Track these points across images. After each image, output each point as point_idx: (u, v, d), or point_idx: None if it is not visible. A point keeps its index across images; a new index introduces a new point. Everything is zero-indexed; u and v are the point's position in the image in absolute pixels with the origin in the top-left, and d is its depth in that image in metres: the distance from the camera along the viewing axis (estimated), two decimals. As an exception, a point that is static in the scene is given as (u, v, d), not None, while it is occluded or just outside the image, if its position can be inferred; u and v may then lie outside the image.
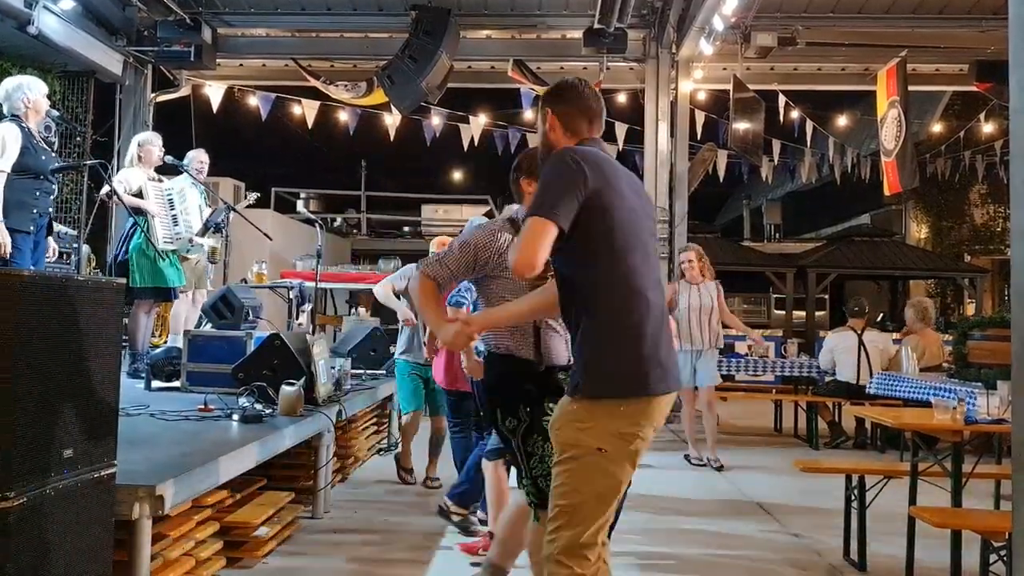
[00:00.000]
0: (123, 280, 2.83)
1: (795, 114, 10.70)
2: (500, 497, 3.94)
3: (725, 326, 6.98)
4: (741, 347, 9.29)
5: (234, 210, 6.79)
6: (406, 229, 19.67)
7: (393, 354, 6.72)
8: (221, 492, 3.61)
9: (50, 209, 5.55)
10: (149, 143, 6.50)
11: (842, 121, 12.73)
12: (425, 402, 5.66)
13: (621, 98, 10.63)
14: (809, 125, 10.89)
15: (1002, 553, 3.38)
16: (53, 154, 5.66)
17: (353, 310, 11.15)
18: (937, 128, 15.24)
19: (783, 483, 6.09)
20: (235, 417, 4.12)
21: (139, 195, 6.21)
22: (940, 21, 9.33)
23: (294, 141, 16.99)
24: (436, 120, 10.42)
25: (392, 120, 10.26)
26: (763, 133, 9.63)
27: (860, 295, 9.24)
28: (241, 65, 10.58)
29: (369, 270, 10.21)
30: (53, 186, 5.51)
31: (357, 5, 9.64)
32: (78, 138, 9.60)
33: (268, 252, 10.01)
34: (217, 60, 9.77)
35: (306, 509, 4.72)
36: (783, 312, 15.48)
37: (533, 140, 10.73)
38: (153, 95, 10.11)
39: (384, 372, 6.74)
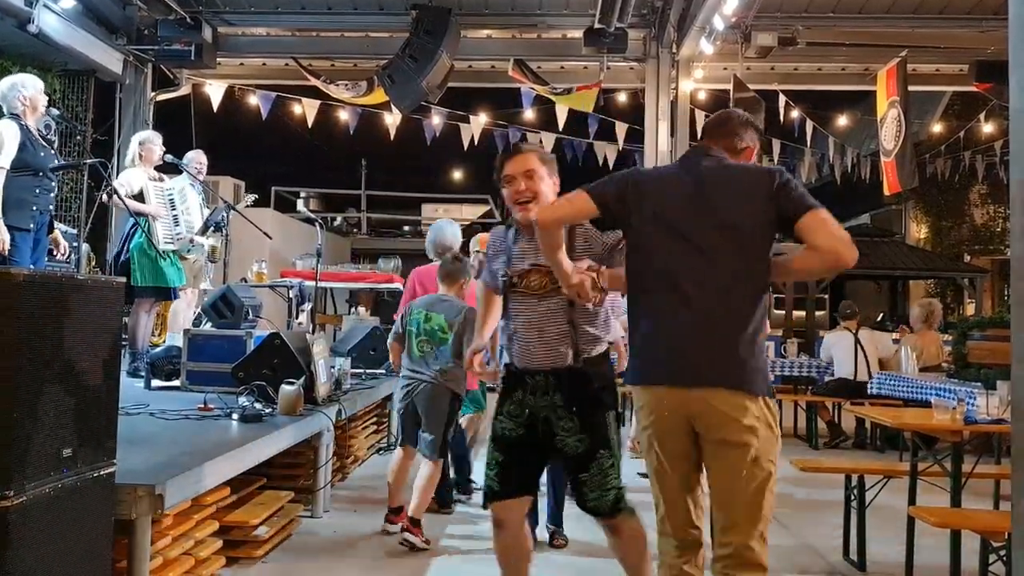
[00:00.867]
0: (123, 279, 2.83)
1: (795, 114, 10.71)
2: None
3: None
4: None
5: (234, 209, 6.80)
6: (406, 228, 19.70)
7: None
8: (221, 491, 3.61)
9: (50, 207, 5.55)
10: (150, 141, 6.51)
11: (842, 121, 12.73)
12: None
13: (621, 98, 10.64)
14: (809, 125, 10.89)
15: (1001, 553, 3.38)
16: (53, 152, 5.66)
17: (353, 309, 11.15)
18: (937, 128, 15.24)
19: (782, 482, 6.08)
20: (235, 416, 4.12)
21: (140, 197, 6.21)
22: (940, 21, 9.33)
23: (294, 140, 17.01)
24: (436, 119, 10.42)
25: (392, 119, 10.26)
26: (763, 133, 9.62)
27: (852, 298, 9.30)
28: (241, 64, 10.58)
29: (369, 269, 10.19)
30: (52, 183, 5.51)
31: (357, 4, 9.64)
32: (78, 137, 9.60)
33: (268, 251, 10.02)
34: (217, 59, 9.77)
35: (306, 508, 4.72)
36: (782, 312, 15.48)
37: (533, 140, 10.76)
38: (153, 94, 10.11)
39: (384, 371, 6.74)
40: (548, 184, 2.93)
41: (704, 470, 2.53)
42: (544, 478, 3.83)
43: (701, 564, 2.58)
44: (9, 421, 2.19)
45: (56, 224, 5.96)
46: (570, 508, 4.02)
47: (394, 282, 9.93)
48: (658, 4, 9.58)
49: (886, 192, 9.73)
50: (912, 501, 4.09)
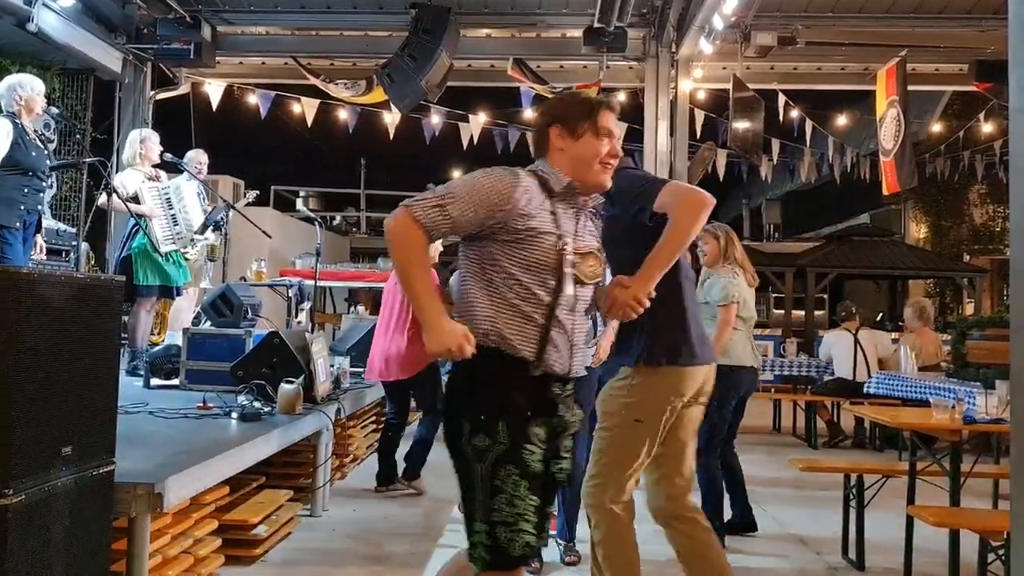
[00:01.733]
0: (122, 277, 2.83)
1: (795, 113, 10.70)
2: None
3: None
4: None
5: (233, 208, 6.79)
6: (406, 227, 19.61)
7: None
8: (220, 490, 3.61)
9: (39, 207, 5.56)
10: (150, 139, 6.50)
11: (842, 121, 12.71)
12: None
13: (621, 97, 10.61)
14: (809, 124, 10.88)
15: (1000, 552, 3.38)
16: (47, 152, 5.65)
17: (352, 308, 11.17)
18: (937, 128, 15.22)
19: (781, 482, 6.09)
20: (234, 415, 4.12)
21: (135, 199, 6.19)
22: (940, 21, 9.32)
23: (293, 139, 16.98)
24: (436, 119, 10.41)
25: (392, 118, 10.24)
26: (763, 132, 9.63)
27: (851, 297, 9.31)
28: (241, 63, 10.56)
29: (368, 268, 10.21)
30: (44, 183, 5.51)
31: (357, 3, 9.63)
32: (77, 136, 9.59)
33: (267, 250, 10.01)
34: (216, 58, 9.76)
35: (305, 507, 4.72)
36: (782, 311, 15.49)
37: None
38: (153, 93, 10.09)
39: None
40: None
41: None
42: None
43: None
44: (8, 419, 2.19)
45: (55, 223, 5.96)
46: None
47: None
48: (657, 3, 9.58)
49: (885, 192, 9.73)
50: (911, 500, 4.10)
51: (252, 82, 10.40)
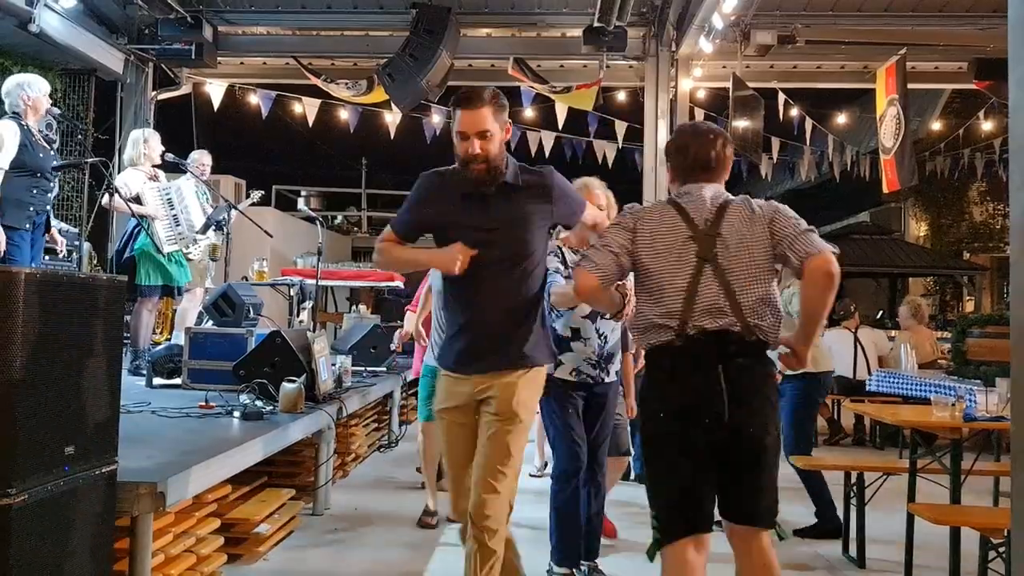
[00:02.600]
0: (124, 277, 2.84)
1: (794, 112, 10.71)
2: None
3: None
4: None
5: (235, 208, 6.81)
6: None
7: (394, 352, 6.73)
8: (222, 489, 3.62)
9: (47, 207, 5.56)
10: (152, 139, 6.51)
11: (841, 119, 12.73)
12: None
13: (621, 96, 10.63)
14: (808, 123, 10.89)
15: (1001, 550, 3.39)
16: (52, 152, 5.66)
17: (354, 307, 11.17)
18: (936, 126, 15.23)
19: (782, 479, 6.09)
20: (236, 414, 4.13)
21: (137, 200, 6.20)
22: (940, 19, 9.33)
23: (295, 139, 17.01)
24: (436, 118, 10.42)
25: (392, 118, 10.25)
26: (762, 131, 9.63)
27: (851, 296, 9.31)
28: (242, 63, 10.57)
29: (370, 267, 10.20)
30: (51, 184, 5.52)
31: (358, 3, 9.64)
32: (79, 136, 9.60)
33: (269, 250, 10.03)
34: (218, 58, 9.77)
35: (307, 506, 4.74)
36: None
37: (533, 138, 10.78)
38: (154, 93, 10.11)
39: (385, 369, 6.76)
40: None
41: None
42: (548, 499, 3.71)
43: None
44: (11, 419, 2.20)
45: (57, 222, 5.97)
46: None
47: (394, 280, 9.95)
48: (657, 3, 9.59)
49: (885, 190, 9.72)
50: (911, 498, 4.11)
51: (253, 82, 10.41)
